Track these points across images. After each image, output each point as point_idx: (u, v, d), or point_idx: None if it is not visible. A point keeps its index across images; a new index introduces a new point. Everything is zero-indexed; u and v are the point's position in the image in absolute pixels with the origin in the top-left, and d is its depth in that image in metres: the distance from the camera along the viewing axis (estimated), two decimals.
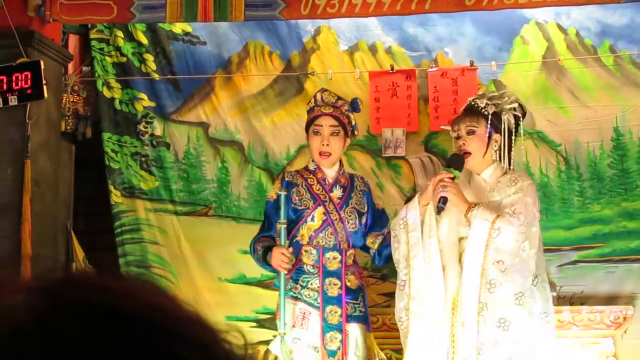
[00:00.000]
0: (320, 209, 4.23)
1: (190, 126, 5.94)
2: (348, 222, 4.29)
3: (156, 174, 5.94)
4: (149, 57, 5.92)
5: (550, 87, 5.65)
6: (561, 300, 5.41)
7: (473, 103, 3.99)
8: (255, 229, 5.01)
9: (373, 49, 5.84)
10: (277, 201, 4.19)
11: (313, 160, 4.35)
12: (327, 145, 4.22)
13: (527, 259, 3.70)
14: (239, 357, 0.83)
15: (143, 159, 5.93)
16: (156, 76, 5.88)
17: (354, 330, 4.22)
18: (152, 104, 5.95)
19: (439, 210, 3.77)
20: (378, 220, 4.41)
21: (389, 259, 4.19)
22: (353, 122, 4.39)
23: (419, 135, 5.74)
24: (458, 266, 3.84)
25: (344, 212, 4.30)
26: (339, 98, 4.37)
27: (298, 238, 4.27)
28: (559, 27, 5.67)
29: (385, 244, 4.23)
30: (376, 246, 4.32)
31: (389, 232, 4.18)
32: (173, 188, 5.91)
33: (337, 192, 4.32)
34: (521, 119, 4.05)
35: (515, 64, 5.66)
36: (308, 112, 4.40)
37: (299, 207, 4.23)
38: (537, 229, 3.79)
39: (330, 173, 4.35)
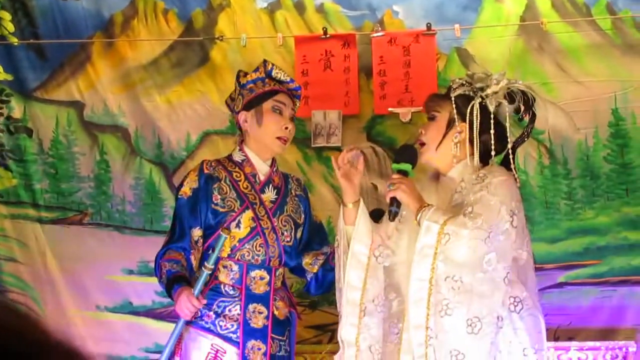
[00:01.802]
0: (249, 213, 3.91)
1: (59, 106, 5.58)
2: (282, 234, 3.99)
3: (14, 169, 5.60)
4: (5, 15, 5.55)
5: (531, 57, 5.36)
6: None
7: (450, 84, 3.74)
8: (144, 241, 5.21)
9: (300, 7, 5.50)
10: (192, 200, 3.91)
11: (241, 149, 4.00)
12: (288, 129, 3.96)
13: (493, 276, 3.40)
14: None
15: None
16: (14, 40, 5.52)
17: None
18: (9, 77, 5.59)
19: (392, 216, 3.52)
20: (316, 235, 4.19)
21: (332, 287, 3.89)
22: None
23: (360, 119, 5.43)
24: None
25: (278, 220, 4.00)
26: (291, 79, 4.11)
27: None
28: None
29: (329, 266, 4.02)
30: (315, 269, 4.12)
31: (332, 253, 3.98)
32: (36, 188, 5.59)
33: (269, 194, 4.00)
34: (518, 111, 3.71)
35: (484, 27, 5.36)
36: (255, 81, 4.02)
37: (221, 209, 3.92)
38: (507, 237, 3.45)
39: (263, 168, 4.01)
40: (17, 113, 5.53)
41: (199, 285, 3.77)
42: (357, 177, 3.75)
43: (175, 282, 3.82)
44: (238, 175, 3.98)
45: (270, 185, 4.03)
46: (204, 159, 4.16)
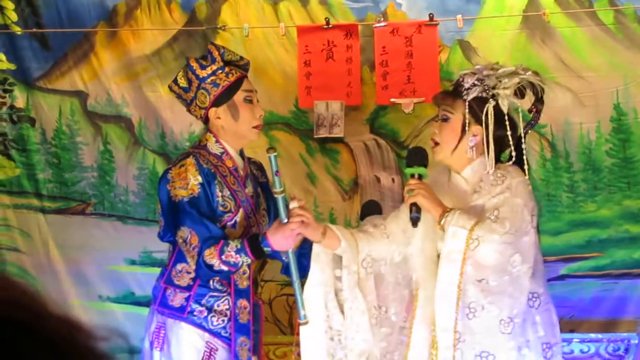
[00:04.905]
0: (242, 213, 3.82)
1: (62, 96, 5.54)
2: (262, 229, 3.89)
3: (17, 158, 5.56)
4: (8, 5, 5.46)
5: (533, 51, 5.30)
6: None
7: (460, 80, 3.69)
8: (147, 231, 5.13)
9: None
10: (204, 195, 3.72)
11: (218, 141, 3.84)
12: (261, 115, 3.87)
13: (519, 276, 3.48)
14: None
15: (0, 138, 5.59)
16: (18, 29, 5.45)
17: None
18: (12, 67, 5.51)
19: (415, 222, 3.55)
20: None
21: (307, 270, 3.81)
22: None
23: (362, 110, 5.38)
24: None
25: (259, 215, 3.93)
26: (241, 57, 4.00)
27: None
28: None
29: (302, 250, 3.84)
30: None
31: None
32: (39, 177, 5.55)
33: (249, 188, 3.91)
34: (530, 110, 3.74)
35: (487, 18, 5.28)
36: (215, 72, 3.86)
37: (222, 209, 3.80)
38: (529, 238, 3.53)
39: (239, 161, 3.91)
40: (20, 102, 5.49)
41: (282, 212, 3.64)
42: (310, 224, 3.61)
43: (255, 236, 3.68)
44: (224, 170, 3.88)
45: (249, 179, 3.97)
46: (193, 150, 3.91)
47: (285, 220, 3.56)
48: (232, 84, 3.83)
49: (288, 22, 5.30)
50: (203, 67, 3.83)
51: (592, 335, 5.01)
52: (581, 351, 4.96)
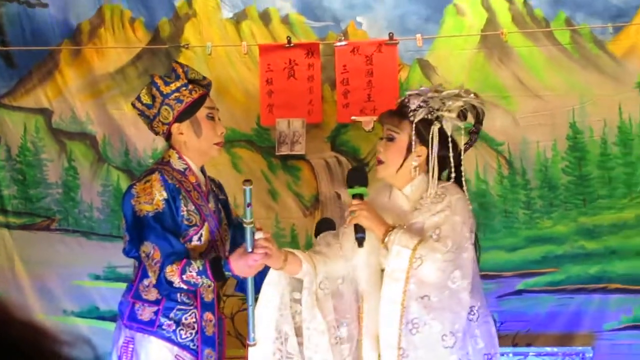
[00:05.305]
0: (206, 226, 3.82)
1: (27, 113, 5.53)
2: (225, 243, 3.95)
3: None
4: None
5: (491, 69, 5.33)
6: (502, 340, 4.86)
7: (405, 100, 3.69)
8: (111, 247, 5.18)
9: (265, 17, 5.43)
10: (168, 210, 3.72)
11: (180, 157, 3.84)
12: (223, 133, 3.90)
13: (459, 290, 3.49)
14: None
15: None
16: None
17: None
18: None
19: (360, 242, 3.55)
20: (238, 231, 3.99)
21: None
22: None
23: (323, 128, 5.38)
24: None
25: (222, 229, 3.94)
26: (203, 76, 4.00)
27: None
28: None
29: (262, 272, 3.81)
30: None
31: None
32: (4, 194, 5.53)
33: (212, 204, 3.91)
34: (471, 130, 3.75)
35: (446, 37, 5.31)
36: (179, 89, 3.87)
37: (187, 222, 3.80)
38: (468, 254, 3.54)
39: (201, 177, 3.91)
40: None
41: (249, 241, 3.62)
42: (273, 255, 3.61)
43: (217, 260, 3.68)
44: (188, 185, 3.86)
45: (211, 195, 3.96)
46: (159, 166, 3.88)
47: (250, 250, 3.56)
48: (195, 101, 3.83)
49: (250, 41, 5.30)
50: (167, 84, 3.85)
51: (548, 349, 5.01)
52: None
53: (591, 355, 4.96)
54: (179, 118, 3.81)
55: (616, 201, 5.25)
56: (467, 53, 5.27)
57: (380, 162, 3.70)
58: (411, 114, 3.64)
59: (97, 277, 5.31)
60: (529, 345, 5.15)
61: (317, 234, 4.06)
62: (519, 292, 5.30)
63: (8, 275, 5.42)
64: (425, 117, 3.64)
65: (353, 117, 5.00)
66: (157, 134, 3.98)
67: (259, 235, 3.53)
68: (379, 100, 4.98)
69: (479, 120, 3.74)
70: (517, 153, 5.30)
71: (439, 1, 5.28)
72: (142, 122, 4.08)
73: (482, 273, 4.12)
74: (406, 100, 3.69)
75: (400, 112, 3.69)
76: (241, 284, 3.88)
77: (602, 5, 5.20)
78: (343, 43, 5.17)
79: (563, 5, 5.22)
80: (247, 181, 3.58)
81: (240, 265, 3.56)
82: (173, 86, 3.84)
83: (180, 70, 3.86)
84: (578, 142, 5.27)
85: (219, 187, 4.09)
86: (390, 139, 3.67)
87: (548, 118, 5.27)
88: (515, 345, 5.18)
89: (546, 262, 5.28)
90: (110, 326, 5.07)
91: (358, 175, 3.70)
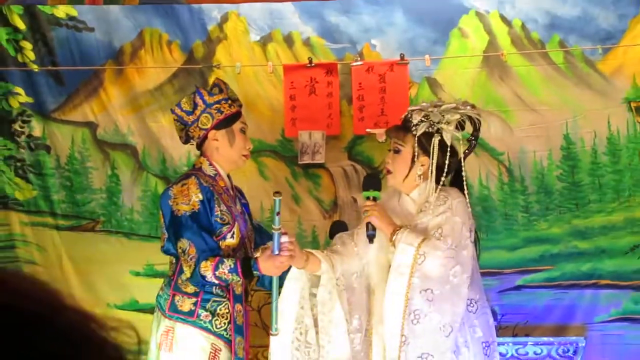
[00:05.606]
0: (237, 225, 3.98)
1: (74, 126, 5.58)
2: (252, 243, 4.12)
3: (34, 181, 5.57)
4: (27, 45, 5.51)
5: (492, 87, 5.41)
6: (503, 330, 5.21)
7: (408, 116, 3.84)
8: (150, 246, 5.18)
9: (289, 40, 5.49)
10: (204, 211, 3.89)
11: (211, 164, 4.05)
12: (250, 147, 4.14)
13: (459, 284, 3.63)
14: (132, 352, 0.94)
15: (18, 164, 5.57)
16: (35, 67, 5.49)
17: None
18: (30, 100, 5.55)
19: (371, 239, 3.73)
20: (258, 234, 4.24)
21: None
22: None
23: (341, 140, 5.47)
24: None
25: (248, 229, 4.12)
26: (237, 97, 4.25)
27: None
28: (503, 18, 5.39)
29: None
30: None
31: None
32: (54, 198, 5.58)
33: (238, 206, 4.13)
34: (469, 139, 3.94)
35: (451, 58, 5.40)
36: (220, 101, 4.09)
37: (220, 222, 3.95)
38: (468, 251, 3.69)
39: (228, 182, 4.13)
40: (37, 132, 5.52)
41: (276, 244, 3.74)
42: (297, 256, 3.74)
43: (247, 260, 3.81)
44: (219, 189, 3.99)
45: (237, 199, 4.13)
46: (195, 171, 4.02)
47: (277, 252, 3.70)
48: (233, 114, 4.08)
49: (275, 61, 5.39)
50: (211, 95, 4.08)
51: (545, 339, 5.09)
52: (535, 353, 5.01)
53: (584, 344, 5.04)
54: (217, 126, 4.05)
55: (606, 205, 5.33)
56: (471, 72, 5.37)
57: (388, 172, 3.87)
58: (414, 128, 3.80)
59: (138, 274, 5.38)
60: (527, 335, 5.23)
61: (331, 234, 4.27)
62: (518, 288, 5.37)
63: (57, 272, 5.47)
64: (427, 130, 3.79)
65: (368, 130, 5.03)
66: (188, 139, 4.13)
67: (284, 238, 3.71)
68: (391, 115, 5.06)
69: (476, 129, 3.89)
70: (516, 162, 5.38)
71: (445, 25, 5.38)
72: (175, 128, 4.27)
73: (485, 270, 4.35)
74: (409, 115, 3.84)
75: (405, 127, 3.85)
76: (260, 280, 4.06)
77: (592, 28, 5.30)
78: (359, 63, 5.28)
79: (557, 29, 5.34)
80: (277, 193, 3.74)
81: (269, 266, 3.76)
82: (216, 98, 4.07)
83: (222, 86, 4.13)
84: (571, 152, 5.35)
85: (241, 192, 4.28)
86: (397, 151, 3.84)
87: (544, 130, 5.35)
88: (515, 335, 5.25)
89: (543, 261, 5.36)
90: (149, 317, 4.97)
91: (373, 180, 3.93)
